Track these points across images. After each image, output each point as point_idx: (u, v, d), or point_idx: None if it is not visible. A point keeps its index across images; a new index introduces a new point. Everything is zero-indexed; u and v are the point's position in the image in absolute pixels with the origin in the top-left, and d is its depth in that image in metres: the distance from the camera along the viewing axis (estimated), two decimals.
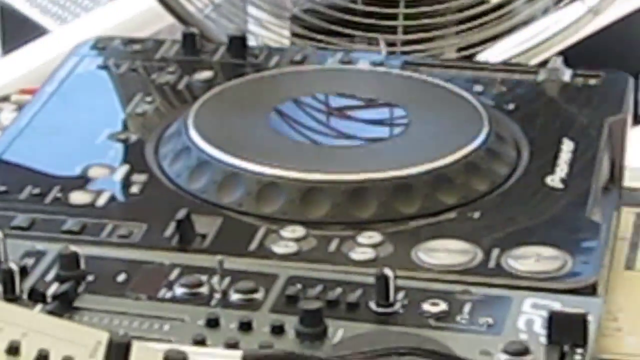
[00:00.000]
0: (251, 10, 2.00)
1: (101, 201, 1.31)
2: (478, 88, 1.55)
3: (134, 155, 1.41)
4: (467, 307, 1.11)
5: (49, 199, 1.32)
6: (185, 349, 0.97)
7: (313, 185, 1.31)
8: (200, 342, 1.05)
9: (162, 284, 1.15)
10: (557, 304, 1.10)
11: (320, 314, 1.06)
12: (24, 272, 1.15)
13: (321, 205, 1.30)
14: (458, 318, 1.10)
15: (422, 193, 1.31)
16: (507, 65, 1.74)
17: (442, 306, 1.11)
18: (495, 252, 1.19)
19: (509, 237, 1.23)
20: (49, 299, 1.11)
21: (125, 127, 1.49)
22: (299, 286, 1.13)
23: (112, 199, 1.33)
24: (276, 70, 1.63)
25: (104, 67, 1.62)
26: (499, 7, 1.94)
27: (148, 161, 1.39)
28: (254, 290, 1.13)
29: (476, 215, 1.28)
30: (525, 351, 1.03)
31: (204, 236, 1.23)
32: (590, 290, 1.15)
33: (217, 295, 1.13)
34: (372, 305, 1.10)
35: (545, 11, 1.98)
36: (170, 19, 1.96)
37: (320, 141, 1.47)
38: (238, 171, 1.33)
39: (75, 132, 1.48)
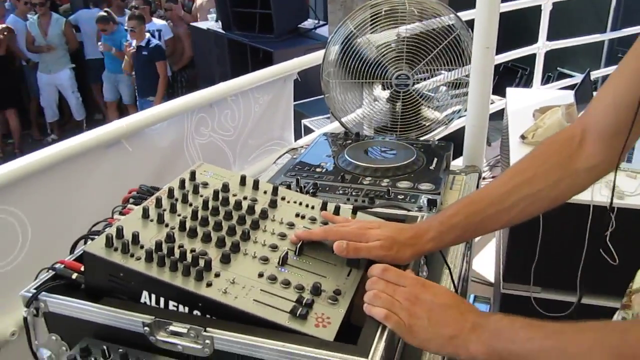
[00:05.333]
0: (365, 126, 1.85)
1: (324, 170, 1.36)
2: (415, 145, 1.49)
3: (333, 159, 1.42)
4: (407, 198, 1.21)
5: (312, 169, 1.36)
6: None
7: (374, 167, 1.34)
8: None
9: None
10: (430, 196, 1.20)
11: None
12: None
13: (376, 173, 1.33)
14: (401, 196, 1.20)
15: (399, 171, 1.33)
16: (423, 140, 1.61)
17: (402, 189, 1.22)
18: (416, 184, 1.26)
19: (419, 179, 1.29)
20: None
21: (332, 155, 1.48)
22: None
23: (328, 169, 1.37)
24: (365, 141, 1.55)
25: (326, 139, 1.59)
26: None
27: (335, 160, 1.40)
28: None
29: (412, 176, 1.31)
30: (421, 208, 1.16)
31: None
32: (438, 193, 1.23)
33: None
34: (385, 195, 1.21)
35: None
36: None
37: (373, 156, 1.44)
38: (353, 162, 1.36)
39: (319, 154, 1.47)
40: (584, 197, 1.33)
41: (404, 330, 0.74)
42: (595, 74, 4.96)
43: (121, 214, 0.97)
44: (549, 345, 0.65)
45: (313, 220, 0.94)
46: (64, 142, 1.44)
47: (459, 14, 1.80)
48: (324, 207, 0.97)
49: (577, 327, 0.66)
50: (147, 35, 5.48)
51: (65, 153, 1.42)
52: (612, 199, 1.55)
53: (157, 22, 6.07)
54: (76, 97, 6.52)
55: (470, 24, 1.67)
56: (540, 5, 3.86)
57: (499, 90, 5.37)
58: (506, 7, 3.28)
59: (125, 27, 5.45)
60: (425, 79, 1.80)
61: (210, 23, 5.50)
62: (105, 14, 6.06)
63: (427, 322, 0.73)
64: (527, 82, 6.49)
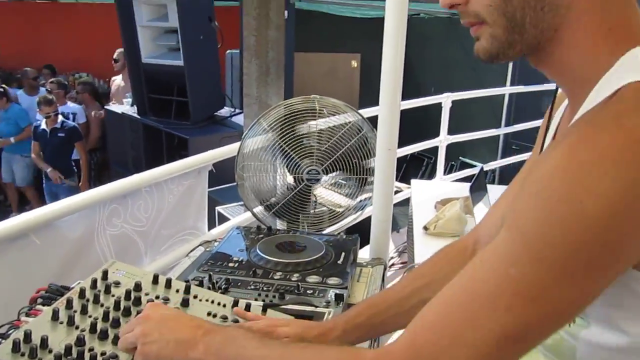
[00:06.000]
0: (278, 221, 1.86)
1: (237, 265, 1.35)
2: (323, 240, 1.53)
3: (246, 253, 1.43)
4: (316, 292, 1.23)
5: (225, 264, 1.36)
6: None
7: (285, 262, 1.36)
8: None
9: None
10: (338, 291, 1.22)
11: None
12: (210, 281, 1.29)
13: (287, 268, 1.34)
14: (310, 291, 1.22)
15: (308, 265, 1.36)
16: (332, 234, 1.68)
17: (311, 284, 1.24)
18: (325, 278, 1.28)
19: (327, 273, 1.31)
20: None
21: (244, 249, 1.48)
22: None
23: (241, 264, 1.36)
24: (276, 235, 1.58)
25: (239, 233, 1.58)
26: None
27: (248, 255, 1.40)
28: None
29: (321, 271, 1.34)
30: (329, 303, 1.17)
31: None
32: (345, 288, 1.25)
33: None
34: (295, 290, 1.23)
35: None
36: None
37: (284, 251, 1.44)
38: (265, 258, 1.38)
39: (231, 248, 1.46)
40: None
41: (141, 356, 0.77)
42: (492, 165, 5.39)
43: (27, 315, 0.96)
44: (277, 354, 0.71)
45: (224, 318, 0.97)
46: None
47: (365, 110, 1.93)
48: (235, 305, 1.01)
49: (303, 344, 0.76)
50: (60, 117, 5.39)
51: None
52: None
53: (72, 105, 6.01)
54: None
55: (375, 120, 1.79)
56: (441, 103, 4.21)
57: (406, 177, 5.65)
58: (407, 104, 3.54)
59: (39, 112, 5.33)
60: (336, 169, 1.88)
61: (126, 107, 5.51)
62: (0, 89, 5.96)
63: (159, 333, 0.77)
64: (433, 170, 6.89)
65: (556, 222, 0.55)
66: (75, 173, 5.56)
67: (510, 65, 6.42)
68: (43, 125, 5.36)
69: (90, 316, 0.91)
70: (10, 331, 0.90)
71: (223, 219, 3.31)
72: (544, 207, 0.56)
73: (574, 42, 0.64)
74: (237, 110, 5.04)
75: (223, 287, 1.25)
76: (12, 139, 5.79)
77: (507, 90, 6.18)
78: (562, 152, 0.57)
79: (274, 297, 1.22)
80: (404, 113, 1.77)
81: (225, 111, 5.12)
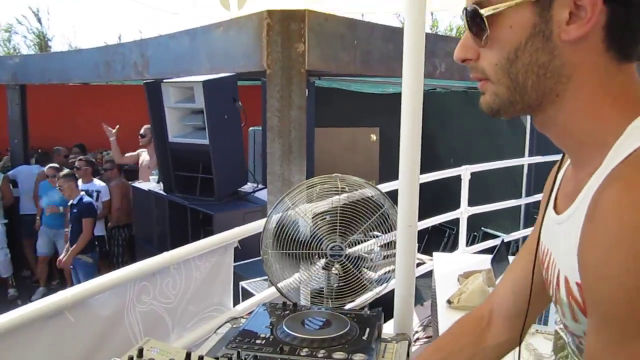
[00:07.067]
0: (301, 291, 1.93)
1: (264, 342, 1.37)
2: (348, 315, 1.55)
3: (272, 330, 1.45)
4: None
5: (252, 340, 1.38)
6: None
7: (311, 338, 1.38)
8: None
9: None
10: None
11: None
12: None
13: (313, 344, 1.36)
14: None
15: (334, 342, 1.37)
16: (356, 310, 1.65)
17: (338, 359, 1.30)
18: (351, 355, 1.30)
19: (353, 349, 1.33)
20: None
21: (271, 326, 1.51)
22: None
23: (268, 340, 1.38)
24: (302, 312, 1.60)
25: (265, 310, 1.60)
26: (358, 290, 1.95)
27: (274, 331, 1.43)
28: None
29: (346, 347, 1.35)
30: None
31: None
32: None
33: None
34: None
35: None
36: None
37: (310, 327, 1.48)
38: (291, 334, 1.41)
39: (258, 325, 1.49)
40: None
41: None
42: (515, 235, 5.36)
43: None
44: None
45: None
46: (4, 316, 1.42)
47: (384, 185, 1.99)
48: None
49: None
50: (82, 193, 5.56)
51: (6, 326, 1.40)
52: None
53: (97, 183, 6.19)
54: (5, 254, 6.38)
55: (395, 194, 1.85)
56: (460, 175, 4.27)
57: (428, 248, 5.61)
58: (427, 178, 3.60)
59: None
60: (359, 242, 1.92)
61: (152, 184, 5.66)
62: (56, 165, 6.26)
63: None
64: (455, 241, 6.87)
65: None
66: (96, 249, 5.66)
67: (528, 136, 6.52)
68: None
69: None
70: None
71: (247, 294, 3.32)
72: (620, 285, 0.57)
73: (577, 109, 0.68)
74: (260, 186, 5.14)
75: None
76: (60, 208, 5.98)
77: (525, 161, 6.24)
78: (609, 222, 0.59)
79: None
80: (424, 185, 1.82)
81: (248, 187, 5.21)
